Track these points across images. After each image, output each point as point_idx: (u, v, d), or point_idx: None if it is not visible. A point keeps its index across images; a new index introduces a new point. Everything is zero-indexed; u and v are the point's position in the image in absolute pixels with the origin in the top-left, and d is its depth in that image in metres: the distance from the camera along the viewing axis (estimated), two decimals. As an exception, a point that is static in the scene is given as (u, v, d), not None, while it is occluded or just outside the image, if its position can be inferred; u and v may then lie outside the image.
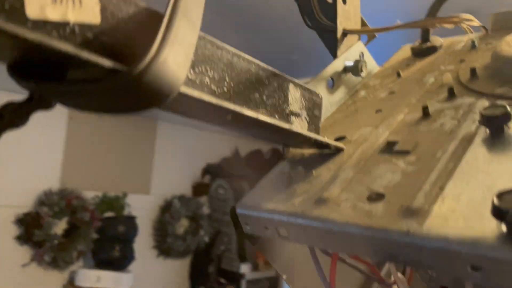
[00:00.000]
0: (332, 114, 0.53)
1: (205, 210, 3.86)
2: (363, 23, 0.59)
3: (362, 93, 0.56)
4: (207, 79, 0.33)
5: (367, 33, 0.57)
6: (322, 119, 0.52)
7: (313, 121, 0.45)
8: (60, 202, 3.00)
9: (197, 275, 3.75)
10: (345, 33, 0.56)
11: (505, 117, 0.36)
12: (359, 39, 0.59)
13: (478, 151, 0.36)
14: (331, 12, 0.56)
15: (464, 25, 0.56)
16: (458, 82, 0.48)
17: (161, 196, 3.62)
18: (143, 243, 3.45)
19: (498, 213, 0.26)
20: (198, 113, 0.32)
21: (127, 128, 3.43)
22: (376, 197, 0.35)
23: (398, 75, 0.56)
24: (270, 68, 0.39)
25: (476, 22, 0.55)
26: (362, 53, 0.58)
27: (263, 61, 0.38)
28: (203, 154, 3.91)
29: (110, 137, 3.36)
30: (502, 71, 0.45)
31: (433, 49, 0.59)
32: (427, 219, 0.30)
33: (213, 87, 0.33)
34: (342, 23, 0.56)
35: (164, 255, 3.63)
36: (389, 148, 0.41)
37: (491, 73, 0.46)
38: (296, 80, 0.43)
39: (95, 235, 3.16)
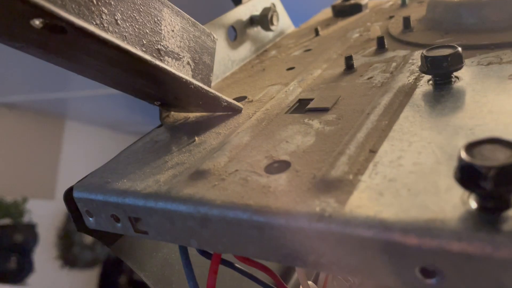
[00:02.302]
0: (233, 73, 0.41)
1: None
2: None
3: (272, 52, 0.44)
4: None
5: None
6: (217, 79, 0.40)
7: (200, 70, 0.32)
8: None
9: (106, 287, 3.47)
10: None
11: (455, 59, 0.26)
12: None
13: (420, 104, 0.25)
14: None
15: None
16: (388, 35, 0.38)
17: (67, 201, 3.31)
18: (44, 253, 3.11)
19: (468, 175, 0.15)
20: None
21: (29, 124, 3.09)
22: (278, 166, 0.23)
23: (317, 33, 0.45)
24: (130, -25, 0.26)
25: (406, -22, 0.47)
26: (274, 5, 0.46)
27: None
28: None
29: (8, 133, 3.00)
30: (442, 19, 0.36)
31: (357, 8, 0.49)
32: (351, 194, 0.19)
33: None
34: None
35: (69, 266, 3.31)
36: (301, 106, 0.30)
37: (427, 25, 0.37)
38: (177, 8, 0.30)
39: (-10, 246, 2.79)
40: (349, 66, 0.33)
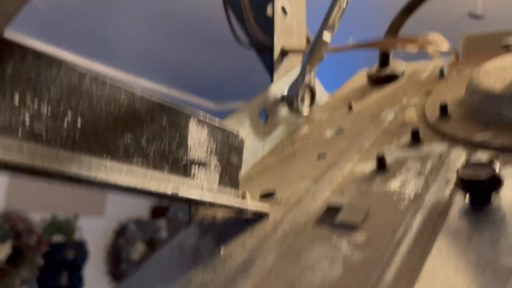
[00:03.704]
0: (264, 157, 0.41)
1: (164, 234, 3.68)
2: (310, 41, 0.47)
3: (305, 129, 0.44)
4: (25, 116, 0.19)
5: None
6: (248, 165, 0.39)
7: (228, 171, 0.32)
8: (3, 225, 2.77)
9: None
10: (284, 53, 0.44)
11: (493, 182, 0.24)
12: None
13: (456, 230, 0.24)
14: (269, 26, 0.45)
15: (430, 49, 0.46)
16: (424, 121, 0.37)
17: (116, 219, 3.42)
18: (94, 269, 3.23)
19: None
20: None
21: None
22: (301, 308, 0.22)
23: (350, 107, 0.44)
24: (157, 98, 0.26)
25: (445, 45, 0.45)
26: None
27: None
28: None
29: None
30: (482, 109, 0.34)
31: (393, 77, 0.48)
32: None
33: (38, 127, 0.20)
34: (281, 40, 0.44)
35: (117, 282, 3.42)
36: (330, 216, 0.29)
37: (466, 111, 0.35)
38: (202, 115, 0.30)
39: (41, 261, 2.93)
40: (381, 166, 0.32)
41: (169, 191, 0.24)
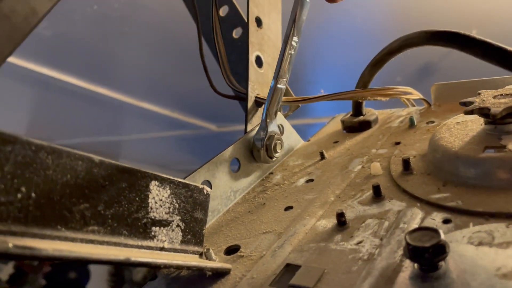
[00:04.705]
0: (236, 204, 0.41)
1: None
2: (286, 91, 0.49)
3: (277, 176, 0.44)
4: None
5: (286, 104, 0.47)
6: (219, 213, 0.40)
7: (192, 228, 0.33)
8: (6, 245, 2.76)
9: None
10: (258, 103, 0.46)
11: (437, 250, 0.25)
12: (279, 109, 0.48)
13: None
14: (244, 76, 0.46)
15: (403, 98, 0.47)
16: (388, 175, 0.38)
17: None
18: (96, 290, 3.20)
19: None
20: None
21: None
22: None
23: (322, 156, 0.45)
24: (115, 163, 0.27)
25: (416, 95, 0.46)
26: (282, 126, 0.47)
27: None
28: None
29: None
30: (441, 167, 0.34)
31: (366, 125, 0.49)
32: None
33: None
34: (255, 90, 0.45)
35: (120, 303, 3.37)
36: (287, 276, 0.29)
37: (428, 167, 0.36)
38: (165, 175, 0.31)
39: (43, 282, 2.92)
40: (341, 223, 0.32)
41: (121, 258, 0.25)
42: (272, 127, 0.42)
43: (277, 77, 0.40)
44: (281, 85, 0.41)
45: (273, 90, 0.40)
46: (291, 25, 0.38)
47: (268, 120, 0.41)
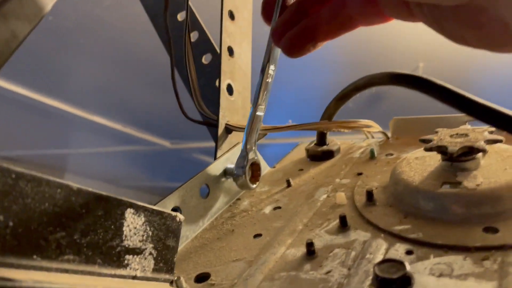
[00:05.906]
0: (204, 230, 0.42)
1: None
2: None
3: (245, 203, 0.45)
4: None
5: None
6: (187, 240, 0.40)
7: (164, 256, 0.33)
8: None
9: None
10: (229, 130, 0.47)
11: (404, 282, 0.27)
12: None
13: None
14: (215, 103, 0.47)
15: (364, 130, 0.50)
16: (353, 205, 0.39)
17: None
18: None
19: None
20: None
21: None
22: None
23: (288, 184, 0.47)
24: (93, 190, 0.27)
25: (376, 128, 0.49)
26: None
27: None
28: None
29: None
30: (402, 199, 0.37)
31: (330, 154, 0.51)
32: None
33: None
34: (225, 117, 0.46)
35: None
36: (259, 305, 0.30)
37: (390, 199, 0.38)
38: (140, 203, 0.31)
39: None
40: (310, 252, 0.34)
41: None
42: (252, 155, 0.43)
43: (256, 105, 0.41)
44: (260, 113, 0.42)
45: (252, 117, 0.41)
46: (268, 54, 0.39)
47: (248, 147, 0.42)
